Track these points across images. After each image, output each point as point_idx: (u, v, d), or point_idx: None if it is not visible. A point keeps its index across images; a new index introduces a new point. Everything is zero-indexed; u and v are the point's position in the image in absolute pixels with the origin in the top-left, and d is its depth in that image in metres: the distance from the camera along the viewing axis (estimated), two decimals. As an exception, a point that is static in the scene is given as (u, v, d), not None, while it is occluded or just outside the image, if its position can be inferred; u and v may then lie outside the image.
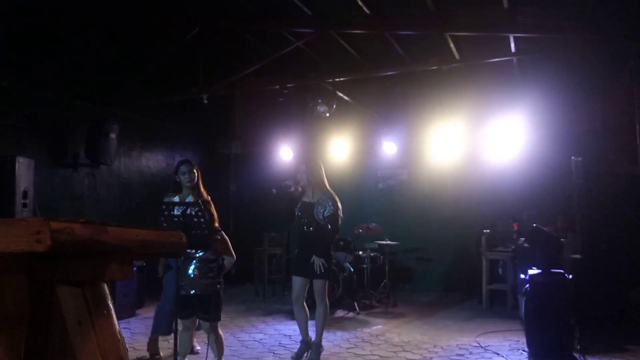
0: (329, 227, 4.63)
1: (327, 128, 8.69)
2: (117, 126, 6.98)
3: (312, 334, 4.77)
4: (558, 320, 4.61)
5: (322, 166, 4.85)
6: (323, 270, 4.59)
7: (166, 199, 4.74)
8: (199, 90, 7.08)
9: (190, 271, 3.96)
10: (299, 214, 4.74)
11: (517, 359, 4.78)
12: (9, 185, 5.40)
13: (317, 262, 4.56)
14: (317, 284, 4.66)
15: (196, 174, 4.74)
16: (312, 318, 4.79)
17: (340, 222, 4.73)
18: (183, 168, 4.75)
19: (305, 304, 4.73)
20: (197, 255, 3.98)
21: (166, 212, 3.77)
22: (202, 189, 4.84)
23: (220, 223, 4.24)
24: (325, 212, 4.61)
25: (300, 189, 4.74)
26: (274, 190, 4.82)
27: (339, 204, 4.73)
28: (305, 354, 4.73)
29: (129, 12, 6.90)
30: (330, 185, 4.81)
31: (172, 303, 4.89)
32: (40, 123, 6.40)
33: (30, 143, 6.29)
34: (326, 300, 4.72)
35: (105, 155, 6.93)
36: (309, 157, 6.57)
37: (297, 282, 4.73)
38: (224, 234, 4.18)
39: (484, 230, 7.48)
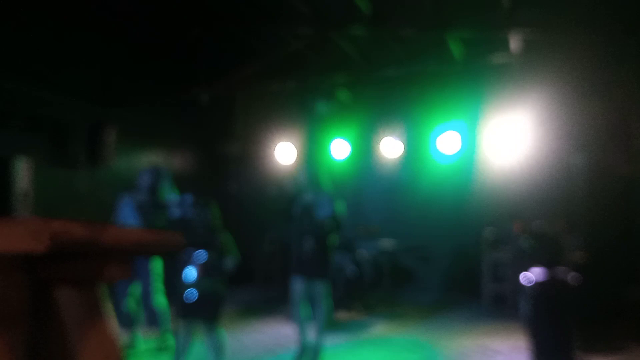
0: (330, 227, 4.63)
1: (327, 128, 8.69)
2: (117, 126, 6.98)
3: (312, 335, 4.77)
4: (558, 320, 4.60)
5: (322, 166, 4.85)
6: (323, 271, 4.59)
7: None
8: (199, 90, 7.08)
9: (192, 272, 3.97)
10: (300, 214, 4.74)
11: (517, 359, 4.78)
12: (8, 185, 5.40)
13: (317, 262, 4.56)
14: (317, 284, 4.66)
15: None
16: (312, 318, 4.79)
17: (341, 222, 4.73)
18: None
19: (305, 304, 4.73)
20: (200, 255, 3.98)
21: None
22: None
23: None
24: (326, 213, 4.61)
25: (300, 189, 4.74)
26: (273, 192, 4.82)
27: (340, 204, 4.73)
28: (305, 355, 4.73)
29: (129, 12, 6.90)
30: (330, 185, 4.81)
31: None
32: (40, 123, 6.39)
33: (30, 143, 6.28)
34: (326, 300, 4.71)
35: (105, 156, 6.92)
36: (309, 157, 6.58)
37: (298, 282, 4.72)
38: (227, 234, 4.17)
39: (485, 230, 7.48)
